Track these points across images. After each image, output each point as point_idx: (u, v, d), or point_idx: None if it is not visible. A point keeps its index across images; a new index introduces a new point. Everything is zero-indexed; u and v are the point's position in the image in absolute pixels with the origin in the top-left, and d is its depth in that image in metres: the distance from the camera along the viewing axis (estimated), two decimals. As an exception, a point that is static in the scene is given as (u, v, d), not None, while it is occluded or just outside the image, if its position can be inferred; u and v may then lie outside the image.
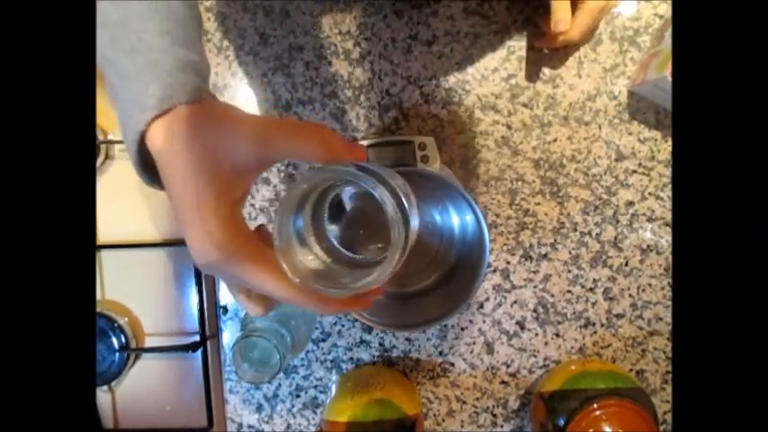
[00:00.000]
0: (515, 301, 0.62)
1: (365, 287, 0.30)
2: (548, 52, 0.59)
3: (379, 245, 0.35)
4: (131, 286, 0.64)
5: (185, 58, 0.32)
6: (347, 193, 0.34)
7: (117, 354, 0.62)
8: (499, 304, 0.62)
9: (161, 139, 0.30)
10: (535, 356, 0.62)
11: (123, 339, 0.62)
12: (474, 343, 0.63)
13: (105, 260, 0.64)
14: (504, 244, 0.61)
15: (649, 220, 0.61)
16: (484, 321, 0.62)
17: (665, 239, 0.61)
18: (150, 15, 0.31)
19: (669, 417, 0.62)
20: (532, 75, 0.60)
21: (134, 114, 0.30)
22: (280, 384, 0.64)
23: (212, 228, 0.30)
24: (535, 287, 0.62)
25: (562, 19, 0.52)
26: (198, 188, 0.30)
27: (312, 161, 0.33)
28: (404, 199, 0.29)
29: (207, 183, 0.30)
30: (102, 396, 0.65)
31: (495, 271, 0.62)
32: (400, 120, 0.61)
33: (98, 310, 0.63)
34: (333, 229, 0.35)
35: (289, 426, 0.64)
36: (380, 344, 0.63)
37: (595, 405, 0.52)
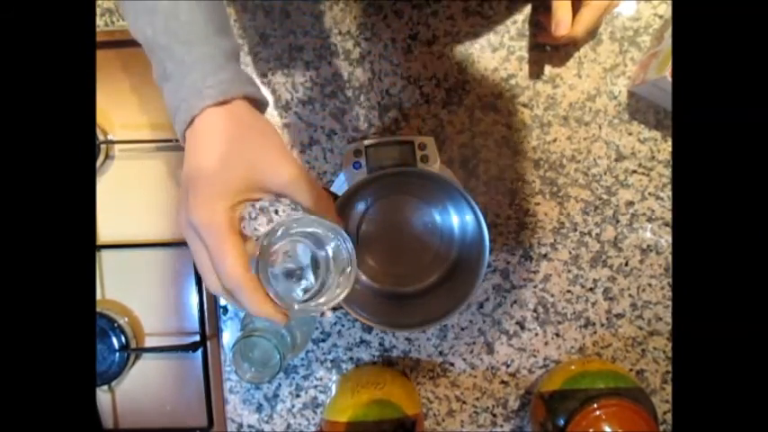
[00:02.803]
0: (515, 301, 0.62)
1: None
2: (549, 50, 0.59)
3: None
4: (131, 286, 0.64)
5: (228, 48, 0.38)
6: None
7: (117, 354, 0.62)
8: (499, 304, 0.62)
9: (216, 123, 0.37)
10: (535, 356, 0.62)
11: (123, 339, 0.62)
12: (474, 343, 0.63)
13: (105, 260, 0.64)
14: (504, 244, 0.61)
15: (649, 220, 0.61)
16: (484, 321, 0.62)
17: (665, 239, 0.61)
18: (197, 4, 0.37)
19: (669, 417, 0.62)
20: (532, 75, 0.60)
21: (190, 99, 0.36)
22: (280, 384, 0.64)
23: (217, 205, 0.36)
24: (535, 287, 0.62)
25: (563, 20, 0.52)
26: (228, 172, 0.36)
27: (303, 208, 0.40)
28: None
29: (237, 173, 0.37)
30: (102, 396, 0.65)
31: (495, 271, 0.62)
32: (400, 120, 0.61)
33: (98, 310, 0.63)
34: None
35: (289, 426, 0.64)
36: (380, 344, 0.63)
37: (595, 405, 0.52)
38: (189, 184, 0.37)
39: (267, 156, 0.38)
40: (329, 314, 0.61)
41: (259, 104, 0.40)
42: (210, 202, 0.36)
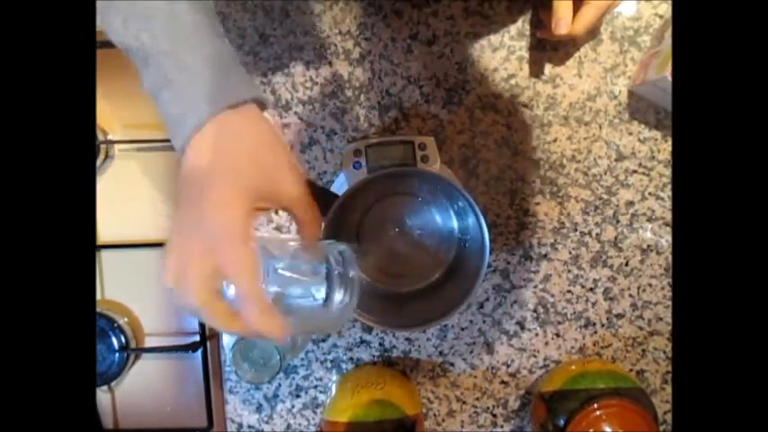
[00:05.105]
0: (515, 301, 0.62)
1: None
2: (549, 48, 0.59)
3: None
4: (131, 286, 0.64)
5: (231, 51, 0.37)
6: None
7: (117, 354, 0.62)
8: (499, 304, 0.62)
9: (232, 126, 0.35)
10: (535, 356, 0.62)
11: (123, 339, 0.62)
12: (474, 343, 0.62)
13: (105, 260, 0.64)
14: (504, 244, 0.61)
15: (649, 220, 0.61)
16: (484, 321, 0.62)
17: (665, 239, 0.61)
18: (193, 5, 0.36)
19: (669, 417, 0.62)
20: (532, 75, 0.60)
21: (202, 104, 0.35)
22: (280, 384, 0.64)
23: (236, 210, 0.34)
24: (535, 287, 0.62)
25: (564, 19, 0.51)
26: (246, 176, 0.35)
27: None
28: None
29: (254, 179, 0.36)
30: (102, 396, 0.65)
31: (495, 271, 0.62)
32: (400, 120, 0.61)
33: (98, 310, 0.63)
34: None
35: (289, 426, 0.64)
36: (380, 344, 0.63)
37: (595, 405, 0.52)
38: (197, 187, 0.35)
39: (282, 167, 0.37)
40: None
41: (265, 107, 0.39)
42: (229, 206, 0.34)
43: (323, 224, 0.45)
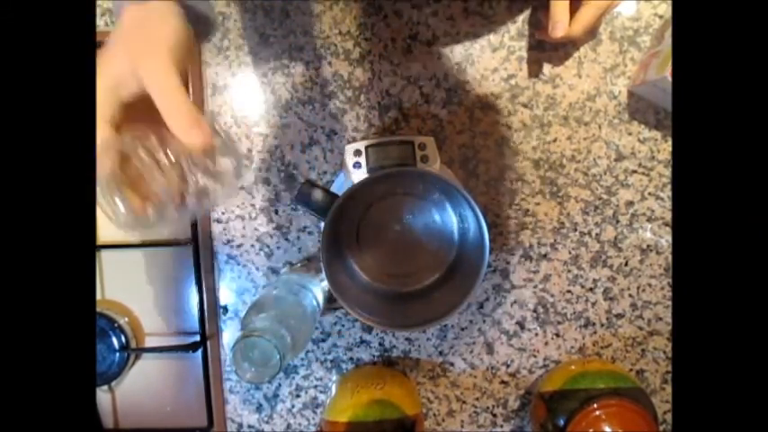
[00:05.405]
0: (515, 301, 0.62)
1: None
2: (549, 49, 0.59)
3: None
4: (131, 286, 0.64)
5: None
6: None
7: (117, 354, 0.62)
8: (499, 304, 0.62)
9: (127, 14, 0.38)
10: (535, 356, 0.62)
11: (123, 339, 0.62)
12: (474, 343, 0.63)
13: (105, 260, 0.64)
14: (504, 244, 0.61)
15: (649, 220, 0.61)
16: (484, 321, 0.62)
17: (665, 239, 0.61)
18: None
19: (669, 417, 0.62)
20: (532, 75, 0.60)
21: None
22: (280, 384, 0.64)
23: (100, 83, 0.37)
24: (535, 287, 0.62)
25: (560, 21, 0.51)
26: (113, 56, 0.38)
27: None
28: None
29: (119, 58, 0.37)
30: (102, 396, 0.65)
31: (495, 271, 0.62)
32: (400, 120, 0.61)
33: (98, 310, 0.63)
34: None
35: (289, 426, 0.64)
36: (380, 344, 0.63)
37: (595, 405, 0.52)
38: None
39: (147, 49, 0.37)
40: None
41: (192, 13, 0.40)
42: (98, 82, 0.37)
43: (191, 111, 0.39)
